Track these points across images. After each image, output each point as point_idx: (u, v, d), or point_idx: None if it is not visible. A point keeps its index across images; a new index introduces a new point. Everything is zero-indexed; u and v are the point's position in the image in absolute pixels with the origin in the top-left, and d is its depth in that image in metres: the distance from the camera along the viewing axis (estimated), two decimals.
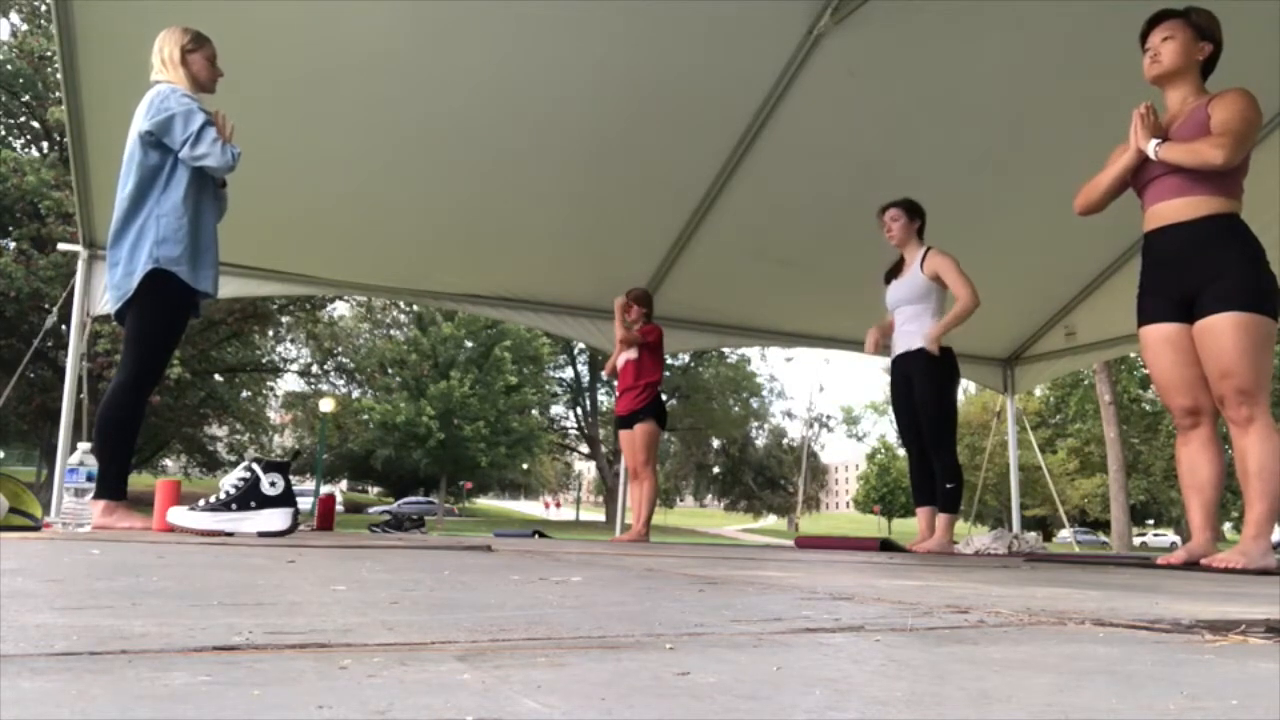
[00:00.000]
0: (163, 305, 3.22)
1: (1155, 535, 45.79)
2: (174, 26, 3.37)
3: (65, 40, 3.77)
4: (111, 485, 3.10)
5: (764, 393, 48.13)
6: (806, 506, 53.69)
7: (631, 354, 5.34)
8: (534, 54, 4.12)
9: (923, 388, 4.36)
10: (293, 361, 31.32)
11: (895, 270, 4.58)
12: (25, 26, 21.83)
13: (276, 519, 2.90)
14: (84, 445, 2.77)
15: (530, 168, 4.86)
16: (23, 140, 23.60)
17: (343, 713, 0.46)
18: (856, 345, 6.95)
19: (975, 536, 5.01)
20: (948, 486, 4.34)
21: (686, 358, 38.37)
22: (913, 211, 4.47)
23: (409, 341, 35.05)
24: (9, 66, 21.65)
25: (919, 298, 4.40)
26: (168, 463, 34.00)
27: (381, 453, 35.29)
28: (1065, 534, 29.71)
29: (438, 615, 0.92)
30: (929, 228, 4.47)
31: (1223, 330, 2.73)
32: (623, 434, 5.50)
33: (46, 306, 18.63)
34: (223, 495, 2.91)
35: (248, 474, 2.95)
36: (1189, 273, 2.83)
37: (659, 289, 5.88)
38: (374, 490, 51.52)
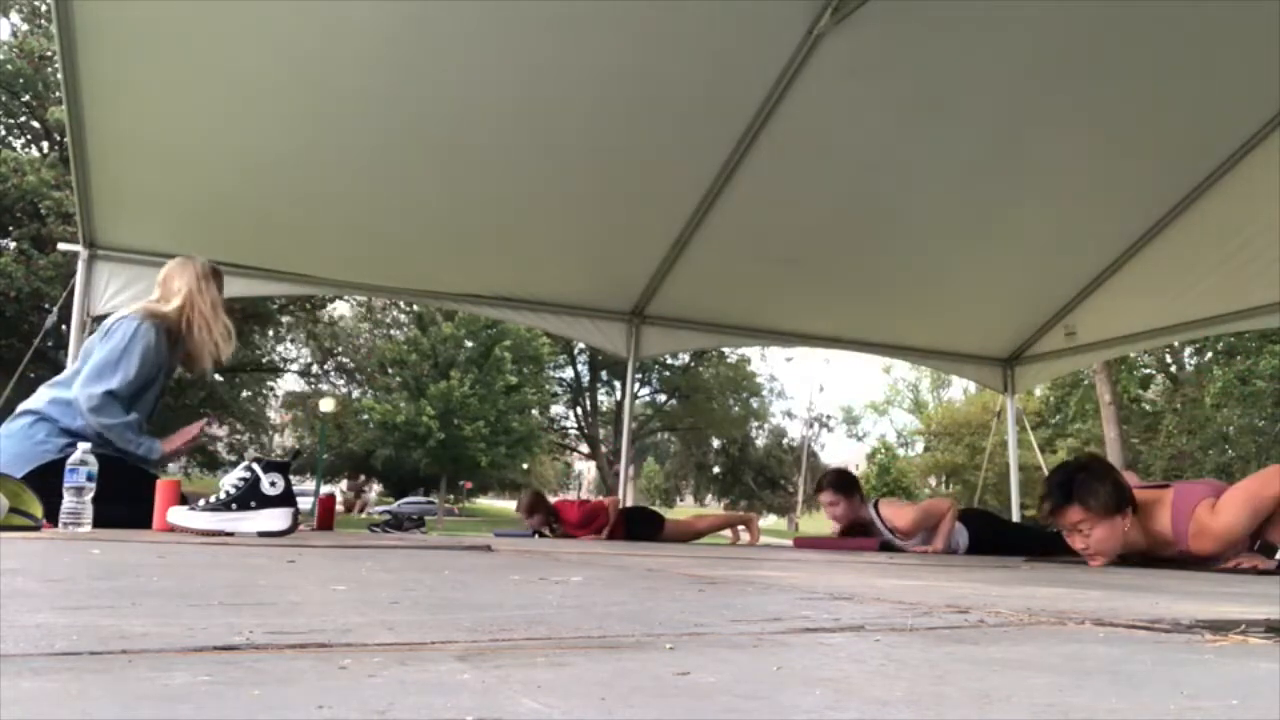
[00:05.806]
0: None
1: None
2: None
3: (65, 40, 3.76)
4: None
5: (764, 393, 48.06)
6: (807, 506, 53.62)
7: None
8: (533, 53, 4.11)
9: None
10: (293, 361, 31.35)
11: None
12: (25, 26, 21.85)
13: (276, 519, 2.90)
14: (84, 445, 2.77)
15: (530, 168, 4.86)
16: (23, 140, 23.61)
17: (343, 713, 0.46)
18: (856, 345, 6.97)
19: None
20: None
21: (686, 357, 38.32)
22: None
23: (409, 341, 35.00)
24: (9, 66, 21.63)
25: None
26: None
27: (381, 453, 35.24)
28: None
29: (438, 615, 0.92)
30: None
31: None
32: None
33: (46, 306, 18.63)
34: (223, 495, 2.90)
35: (248, 474, 2.94)
36: None
37: (659, 289, 5.87)
38: (374, 490, 51.49)
